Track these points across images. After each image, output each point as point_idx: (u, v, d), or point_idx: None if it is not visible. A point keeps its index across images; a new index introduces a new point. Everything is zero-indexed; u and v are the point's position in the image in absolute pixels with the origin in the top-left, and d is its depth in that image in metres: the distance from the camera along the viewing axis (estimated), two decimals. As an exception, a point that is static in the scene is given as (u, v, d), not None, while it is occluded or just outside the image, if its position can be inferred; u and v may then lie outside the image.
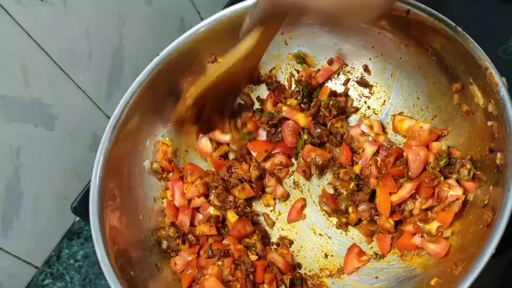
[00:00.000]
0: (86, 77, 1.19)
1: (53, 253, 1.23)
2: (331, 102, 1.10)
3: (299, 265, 1.04)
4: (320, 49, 1.14)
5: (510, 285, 0.95)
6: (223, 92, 1.06)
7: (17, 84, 1.05)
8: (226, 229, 1.06)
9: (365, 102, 1.14)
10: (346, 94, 1.15)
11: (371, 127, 1.08)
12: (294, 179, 1.14)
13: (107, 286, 0.88)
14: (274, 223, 1.10)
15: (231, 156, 1.13)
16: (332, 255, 1.04)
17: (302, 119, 1.10)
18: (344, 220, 1.03)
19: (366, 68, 1.12)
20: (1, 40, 0.99)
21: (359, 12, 0.71)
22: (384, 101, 1.12)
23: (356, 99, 1.15)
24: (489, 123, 0.85)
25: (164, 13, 1.34)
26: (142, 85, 1.05)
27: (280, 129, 1.13)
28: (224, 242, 1.03)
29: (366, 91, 1.14)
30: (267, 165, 1.12)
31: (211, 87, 1.01)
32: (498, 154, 0.82)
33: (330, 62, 1.15)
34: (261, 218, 1.11)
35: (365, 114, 1.13)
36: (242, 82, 1.11)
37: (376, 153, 1.04)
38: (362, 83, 1.14)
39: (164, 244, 1.04)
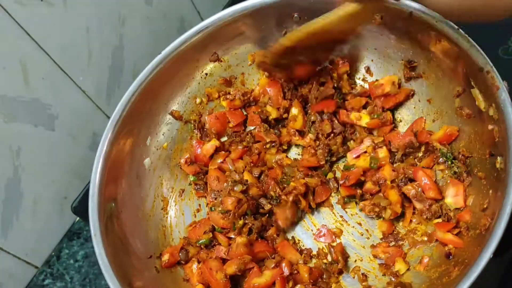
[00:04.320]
0: (86, 77, 1.19)
1: (53, 253, 1.23)
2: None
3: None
4: (321, 49, 1.14)
5: (510, 286, 0.95)
6: (316, 45, 1.03)
7: (17, 84, 1.05)
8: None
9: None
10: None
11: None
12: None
13: (107, 286, 0.88)
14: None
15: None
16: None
17: None
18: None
19: (368, 70, 1.12)
20: (1, 40, 0.99)
21: (482, 13, 0.68)
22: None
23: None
24: (490, 127, 0.85)
25: (164, 13, 1.34)
26: (142, 84, 1.05)
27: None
28: None
29: (366, 86, 1.14)
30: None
31: (307, 37, 0.98)
32: (498, 158, 0.82)
33: (332, 63, 1.14)
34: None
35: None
36: (336, 41, 1.07)
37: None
38: (364, 81, 1.14)
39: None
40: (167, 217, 1.10)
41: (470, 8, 0.64)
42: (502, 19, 0.65)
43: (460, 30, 0.88)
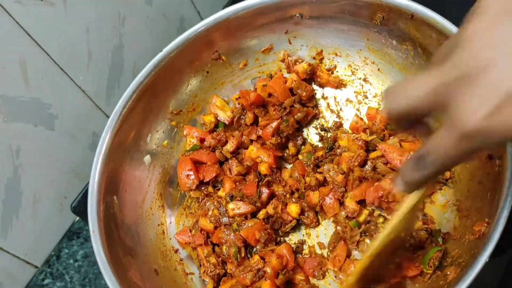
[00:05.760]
0: (86, 77, 1.19)
1: (52, 253, 1.23)
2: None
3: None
4: (323, 49, 1.14)
5: (509, 286, 0.95)
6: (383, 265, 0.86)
7: (17, 83, 1.05)
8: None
9: (366, 104, 1.14)
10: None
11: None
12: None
13: (107, 286, 0.88)
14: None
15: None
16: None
17: None
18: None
19: (368, 70, 1.13)
20: (1, 40, 0.99)
21: None
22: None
23: (358, 101, 1.15)
24: (489, 129, 0.85)
25: (164, 12, 1.34)
26: (143, 82, 1.05)
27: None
28: None
29: (367, 86, 1.14)
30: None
31: (372, 260, 0.80)
32: (497, 161, 0.82)
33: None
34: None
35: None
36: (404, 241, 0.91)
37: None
38: (366, 81, 1.15)
39: None
40: (165, 215, 1.11)
41: None
42: None
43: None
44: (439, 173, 0.58)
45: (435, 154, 0.54)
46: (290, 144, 1.14)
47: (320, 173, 1.08)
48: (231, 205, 1.04)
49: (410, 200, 0.69)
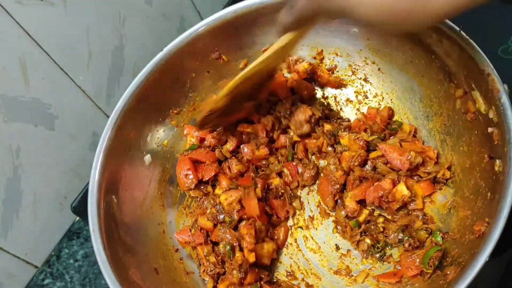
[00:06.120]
0: (86, 77, 1.19)
1: (53, 253, 1.23)
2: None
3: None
4: (324, 49, 1.14)
5: (509, 286, 0.95)
6: (252, 87, 1.04)
7: (17, 83, 1.05)
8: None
9: (366, 103, 1.15)
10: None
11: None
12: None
13: (107, 286, 0.88)
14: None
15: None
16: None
17: None
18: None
19: (369, 70, 1.12)
20: (1, 40, 0.99)
21: (407, 24, 0.67)
22: (387, 103, 1.12)
23: (358, 101, 1.16)
24: (490, 129, 0.85)
25: (164, 13, 1.34)
26: (142, 83, 1.05)
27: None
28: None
29: (367, 86, 1.15)
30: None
31: (244, 81, 0.99)
32: (497, 161, 0.82)
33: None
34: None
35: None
36: (265, 78, 1.08)
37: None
38: (366, 81, 1.15)
39: None
40: (165, 214, 1.11)
41: (393, 16, 0.65)
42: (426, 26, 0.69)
43: (461, 31, 0.88)
44: (301, 21, 0.82)
45: (297, 4, 0.79)
46: None
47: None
48: (223, 197, 1.04)
49: (284, 39, 0.89)
